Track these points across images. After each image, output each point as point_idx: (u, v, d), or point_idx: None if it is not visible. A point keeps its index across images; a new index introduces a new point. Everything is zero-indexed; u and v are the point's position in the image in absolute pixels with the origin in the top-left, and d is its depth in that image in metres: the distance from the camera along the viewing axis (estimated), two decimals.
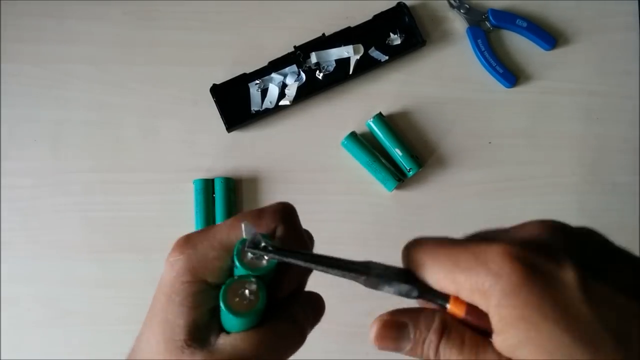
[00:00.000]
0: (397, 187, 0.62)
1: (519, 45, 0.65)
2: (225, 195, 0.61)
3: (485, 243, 0.23)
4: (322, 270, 0.26)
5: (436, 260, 0.24)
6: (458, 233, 0.64)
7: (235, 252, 0.26)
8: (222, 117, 0.63)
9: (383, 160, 0.62)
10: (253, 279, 0.26)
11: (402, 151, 0.61)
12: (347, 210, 0.63)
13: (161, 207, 0.63)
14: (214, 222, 0.61)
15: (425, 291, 0.24)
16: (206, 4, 0.66)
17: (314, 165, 0.63)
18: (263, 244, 0.25)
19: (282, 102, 0.63)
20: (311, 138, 0.64)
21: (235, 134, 0.64)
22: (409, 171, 0.62)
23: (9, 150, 0.64)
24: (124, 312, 0.60)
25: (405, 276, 0.25)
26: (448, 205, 0.63)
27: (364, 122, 0.63)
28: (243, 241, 0.26)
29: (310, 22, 0.65)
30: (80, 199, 0.63)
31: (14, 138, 0.64)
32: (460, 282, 0.22)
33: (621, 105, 0.65)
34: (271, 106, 0.63)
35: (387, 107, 0.64)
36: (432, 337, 0.23)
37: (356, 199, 0.63)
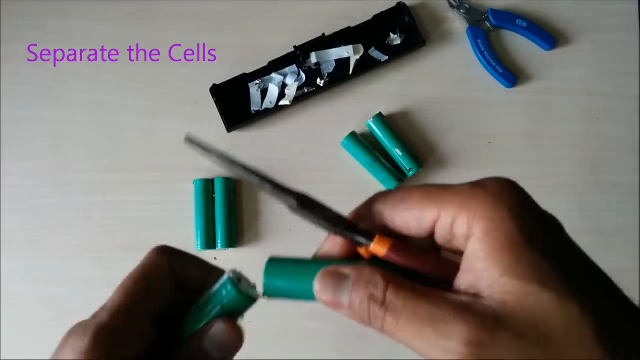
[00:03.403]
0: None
1: (519, 45, 0.65)
2: (225, 195, 0.61)
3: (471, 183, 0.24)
4: (255, 181, 0.26)
5: (418, 192, 0.24)
6: None
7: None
8: (222, 117, 0.63)
9: (383, 160, 0.62)
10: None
11: (402, 151, 0.61)
12: (347, 210, 0.62)
13: (161, 207, 0.63)
14: (214, 222, 0.61)
15: (350, 229, 0.25)
16: (206, 4, 0.66)
17: (314, 165, 0.63)
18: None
19: (282, 102, 0.63)
20: (311, 138, 0.64)
21: (235, 134, 0.64)
22: (409, 171, 0.62)
23: (9, 150, 0.64)
24: None
25: (338, 218, 0.25)
26: None
27: (364, 122, 0.63)
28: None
29: (310, 22, 0.65)
30: (80, 199, 0.63)
31: (14, 138, 0.64)
32: (446, 203, 0.23)
33: (621, 105, 0.65)
34: (271, 106, 0.63)
35: (387, 107, 0.64)
36: (376, 286, 0.22)
37: (356, 199, 0.63)
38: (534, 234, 0.22)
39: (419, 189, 0.25)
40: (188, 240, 0.61)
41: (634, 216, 0.63)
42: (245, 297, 0.25)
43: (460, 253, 0.23)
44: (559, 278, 0.21)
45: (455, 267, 0.23)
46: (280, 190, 0.25)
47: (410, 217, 0.24)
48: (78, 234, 0.62)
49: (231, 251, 0.62)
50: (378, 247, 0.24)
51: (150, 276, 0.26)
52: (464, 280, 0.22)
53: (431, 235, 0.25)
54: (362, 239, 0.25)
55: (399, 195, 0.25)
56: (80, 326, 0.24)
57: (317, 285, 0.24)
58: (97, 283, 0.61)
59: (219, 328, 0.25)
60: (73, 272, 0.62)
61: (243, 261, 0.62)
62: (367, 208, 0.26)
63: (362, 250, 0.25)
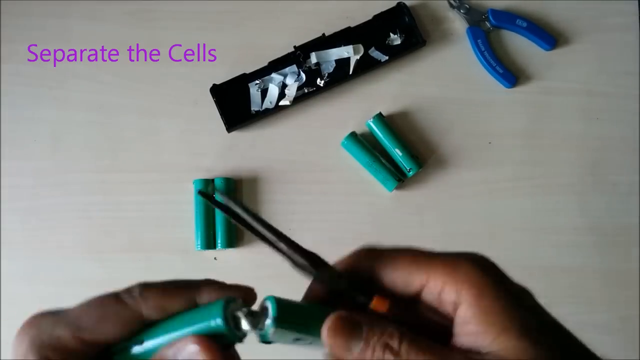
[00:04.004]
0: (397, 187, 0.62)
1: (519, 45, 0.65)
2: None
3: (451, 254, 0.26)
4: (267, 240, 0.27)
5: (407, 257, 0.26)
6: (458, 233, 0.64)
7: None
8: (222, 117, 0.63)
9: (383, 160, 0.62)
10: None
11: (402, 151, 0.61)
12: (347, 210, 0.63)
13: (161, 207, 0.63)
14: (213, 222, 0.61)
15: (352, 287, 0.26)
16: (206, 4, 0.66)
17: (314, 165, 0.63)
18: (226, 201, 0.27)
19: (282, 102, 0.63)
20: (311, 138, 0.64)
21: (235, 134, 0.64)
22: (409, 171, 0.62)
23: (9, 150, 0.64)
24: None
25: (340, 276, 0.26)
26: (448, 205, 0.63)
27: (364, 122, 0.63)
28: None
29: (310, 22, 0.65)
30: (80, 199, 0.63)
31: (14, 138, 0.64)
32: (434, 271, 0.25)
33: (621, 105, 0.65)
34: (271, 106, 0.63)
35: (387, 107, 0.64)
36: (392, 337, 0.24)
37: (356, 199, 0.63)
38: (518, 298, 0.25)
39: (408, 253, 0.27)
40: (188, 240, 0.61)
41: (634, 216, 0.63)
42: (232, 335, 0.24)
43: (443, 316, 0.26)
44: (546, 334, 0.24)
45: (441, 325, 0.26)
46: (295, 248, 0.27)
47: (398, 278, 0.26)
48: (78, 234, 0.62)
49: (231, 251, 0.62)
50: (378, 305, 0.26)
51: (119, 308, 0.26)
52: (460, 341, 0.25)
53: (414, 296, 0.27)
54: (362, 298, 0.26)
55: (388, 255, 0.27)
56: (31, 324, 0.26)
57: (327, 330, 0.25)
58: (97, 283, 0.61)
59: (192, 349, 0.24)
60: (73, 272, 0.62)
61: (243, 261, 0.62)
62: (356, 262, 0.27)
63: (381, 306, 0.26)
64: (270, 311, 0.24)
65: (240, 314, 0.24)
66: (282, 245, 0.26)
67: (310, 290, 0.28)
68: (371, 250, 0.28)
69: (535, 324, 0.24)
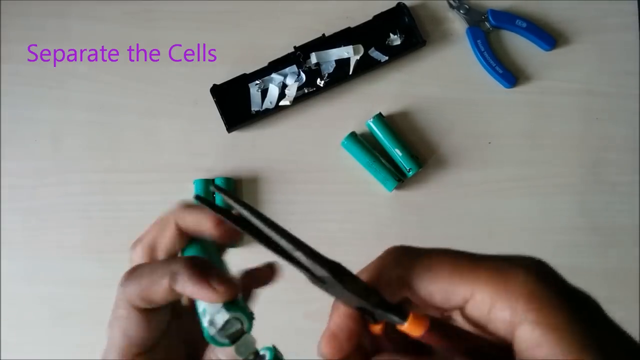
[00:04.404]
0: (397, 187, 0.62)
1: (519, 45, 0.65)
2: None
3: (504, 257, 0.22)
4: (279, 250, 0.23)
5: (446, 265, 0.23)
6: (458, 233, 0.64)
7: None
8: (222, 117, 0.63)
9: (383, 161, 0.62)
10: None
11: (402, 151, 0.61)
12: (347, 210, 0.63)
13: (161, 207, 0.62)
14: None
15: (385, 308, 0.23)
16: (206, 4, 0.66)
17: (314, 165, 0.63)
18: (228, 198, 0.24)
19: (282, 103, 0.63)
20: (311, 138, 0.64)
21: (235, 134, 0.64)
22: (409, 171, 0.62)
23: (9, 150, 0.64)
24: None
25: (367, 290, 0.23)
26: (448, 205, 0.63)
27: (364, 122, 0.63)
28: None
29: (310, 22, 0.65)
30: (80, 199, 0.63)
31: (14, 138, 0.64)
32: (481, 283, 0.22)
33: (621, 105, 0.65)
34: (271, 106, 0.63)
35: (387, 107, 0.64)
36: None
37: (356, 199, 0.63)
38: (588, 311, 0.22)
39: (448, 259, 0.23)
40: None
41: (634, 216, 0.63)
42: None
43: (490, 333, 0.22)
44: (623, 355, 0.21)
45: (490, 348, 0.22)
46: (315, 258, 0.23)
47: (437, 291, 0.22)
48: (78, 234, 0.62)
49: (231, 251, 0.62)
50: (413, 328, 0.22)
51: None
52: None
53: (454, 309, 0.23)
54: (395, 318, 0.22)
55: (424, 262, 0.23)
56: None
57: None
58: (97, 283, 0.61)
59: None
60: (73, 272, 0.62)
61: (243, 261, 0.62)
62: (385, 269, 0.23)
63: (376, 327, 0.23)
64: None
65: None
66: (298, 254, 0.23)
67: (337, 316, 0.23)
68: (402, 254, 0.24)
69: (612, 344, 0.21)
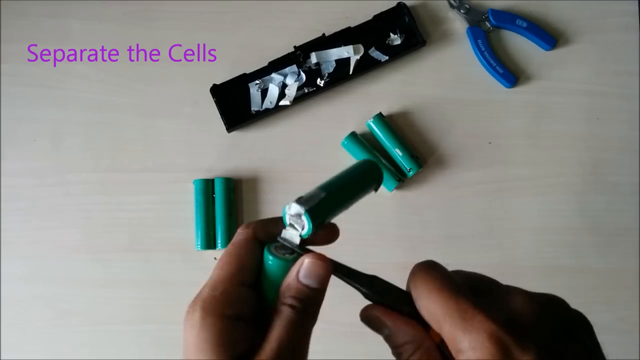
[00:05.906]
0: (397, 187, 0.62)
1: (519, 45, 0.65)
2: (225, 195, 0.61)
3: (475, 309, 0.25)
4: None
5: (432, 300, 0.26)
6: (458, 233, 0.64)
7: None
8: (222, 117, 0.63)
9: (383, 161, 0.62)
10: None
11: (402, 151, 0.61)
12: (347, 210, 0.63)
13: (161, 207, 0.63)
14: (213, 222, 0.61)
15: (414, 316, 0.26)
16: (206, 4, 0.66)
17: (314, 165, 0.63)
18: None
19: (282, 102, 0.63)
20: (311, 138, 0.64)
21: (235, 134, 0.64)
22: (409, 171, 0.62)
23: (9, 150, 0.64)
24: (124, 312, 0.60)
25: (403, 298, 0.27)
26: (448, 205, 0.63)
27: (364, 122, 0.63)
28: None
29: (310, 22, 0.65)
30: (80, 199, 0.63)
31: (14, 138, 0.64)
32: (444, 328, 0.25)
33: (621, 105, 0.65)
34: (271, 106, 0.63)
35: (387, 107, 0.64)
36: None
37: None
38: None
39: (436, 305, 0.26)
40: (188, 240, 0.61)
41: (634, 216, 0.63)
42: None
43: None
44: None
45: None
46: (354, 282, 0.28)
47: (446, 337, 0.26)
48: (78, 234, 0.62)
49: None
50: (433, 335, 0.26)
51: (238, 249, 0.29)
52: None
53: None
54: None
55: (411, 280, 0.28)
56: (191, 305, 0.27)
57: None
58: (97, 283, 0.61)
59: (309, 261, 0.28)
60: (73, 272, 0.62)
61: None
62: (412, 286, 0.27)
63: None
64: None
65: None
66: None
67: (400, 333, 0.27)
68: (430, 273, 0.27)
69: None
